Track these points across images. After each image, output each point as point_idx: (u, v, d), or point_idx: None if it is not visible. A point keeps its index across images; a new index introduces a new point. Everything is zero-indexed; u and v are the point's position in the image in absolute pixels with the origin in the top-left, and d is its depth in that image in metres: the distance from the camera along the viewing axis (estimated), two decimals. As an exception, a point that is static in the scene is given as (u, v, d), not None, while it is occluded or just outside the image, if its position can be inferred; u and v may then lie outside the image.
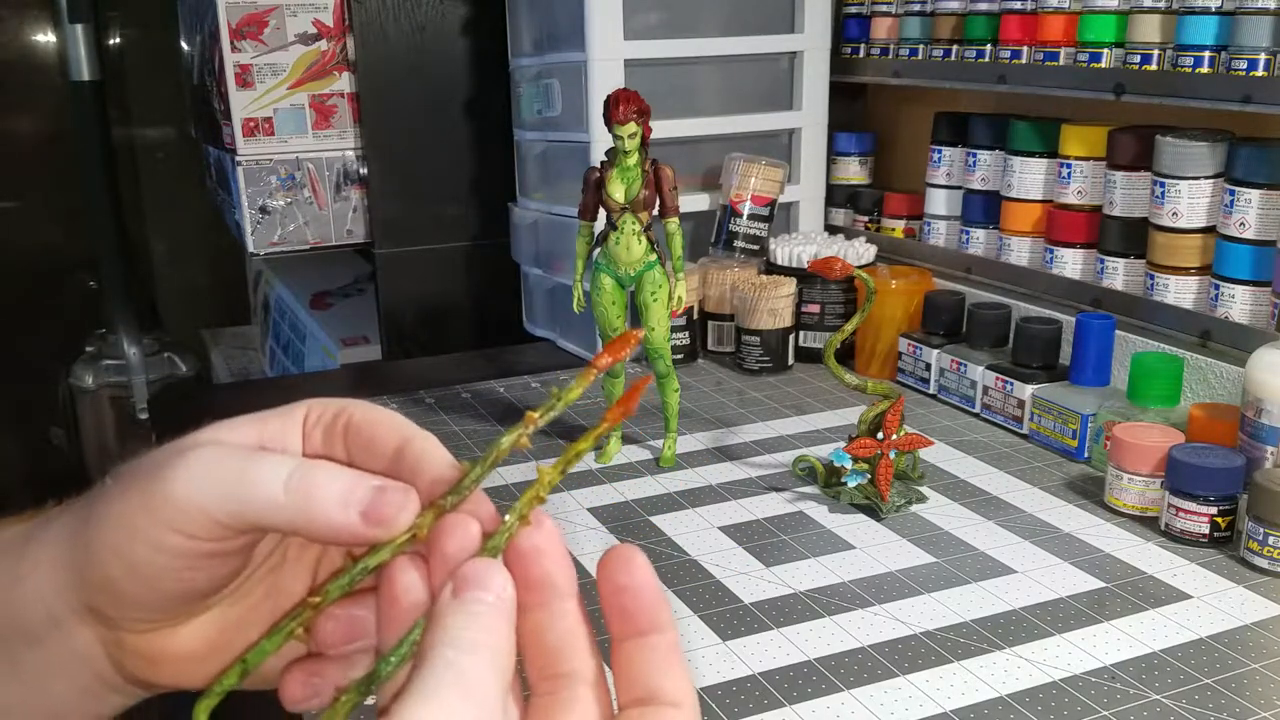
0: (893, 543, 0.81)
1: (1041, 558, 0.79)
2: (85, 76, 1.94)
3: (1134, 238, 1.03)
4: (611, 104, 0.88)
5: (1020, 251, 1.17)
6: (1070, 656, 0.66)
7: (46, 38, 2.22)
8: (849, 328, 0.89)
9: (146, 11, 2.22)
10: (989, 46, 1.16)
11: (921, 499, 0.87)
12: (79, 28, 1.91)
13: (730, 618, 0.72)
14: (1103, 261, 1.07)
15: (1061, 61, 1.07)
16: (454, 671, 0.27)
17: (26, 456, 2.32)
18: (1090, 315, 1.00)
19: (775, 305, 1.17)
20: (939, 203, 1.28)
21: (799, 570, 0.78)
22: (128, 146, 2.29)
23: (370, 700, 0.31)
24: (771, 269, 1.26)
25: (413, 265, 1.44)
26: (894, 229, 1.36)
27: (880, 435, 0.86)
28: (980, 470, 0.94)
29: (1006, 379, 1.02)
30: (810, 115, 1.33)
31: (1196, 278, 0.99)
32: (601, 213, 0.93)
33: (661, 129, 1.09)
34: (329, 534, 0.32)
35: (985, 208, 1.21)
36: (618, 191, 0.91)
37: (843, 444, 0.86)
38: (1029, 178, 1.14)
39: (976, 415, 1.06)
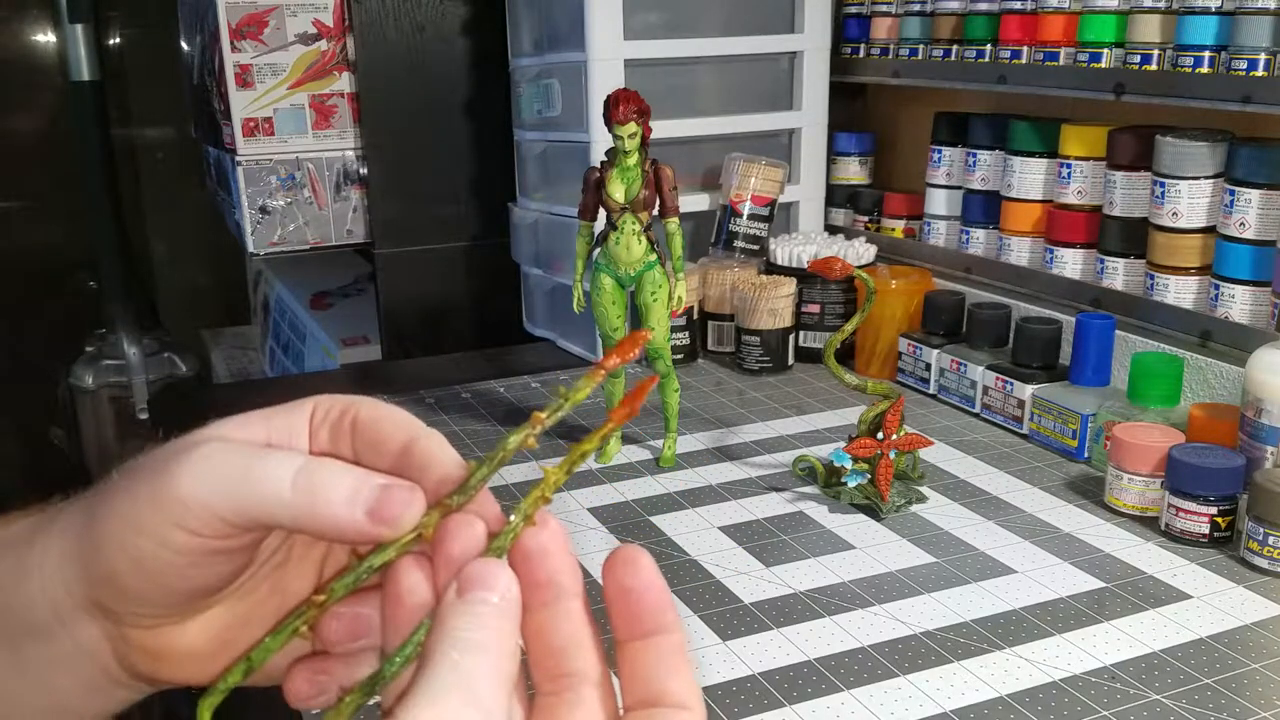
0: (893, 543, 0.82)
1: (1041, 558, 0.79)
2: (85, 76, 1.94)
3: (1134, 238, 1.03)
4: (611, 104, 0.89)
5: (1020, 251, 1.17)
6: (1070, 656, 0.67)
7: (46, 38, 2.22)
8: (849, 328, 0.89)
9: (146, 11, 2.22)
10: (989, 46, 1.16)
11: (921, 499, 0.87)
12: (79, 28, 1.91)
13: (730, 618, 0.72)
14: (1103, 261, 1.07)
15: (1061, 61, 1.07)
16: (458, 673, 0.27)
17: (26, 456, 2.32)
18: (1090, 315, 1.00)
19: (775, 305, 1.17)
20: (939, 203, 1.28)
21: (799, 570, 0.78)
22: (128, 146, 2.29)
23: (375, 700, 0.31)
24: (771, 269, 1.26)
25: (413, 265, 1.44)
26: (894, 229, 1.36)
27: (880, 435, 0.86)
28: (980, 470, 0.94)
29: (1006, 379, 1.02)
30: (810, 115, 1.33)
31: (1196, 278, 0.99)
32: (601, 213, 0.93)
33: (661, 129, 1.09)
34: (334, 532, 0.32)
35: (985, 208, 1.21)
36: (618, 191, 0.91)
37: (843, 444, 0.86)
38: (1029, 178, 1.14)
39: (976, 415, 1.06)
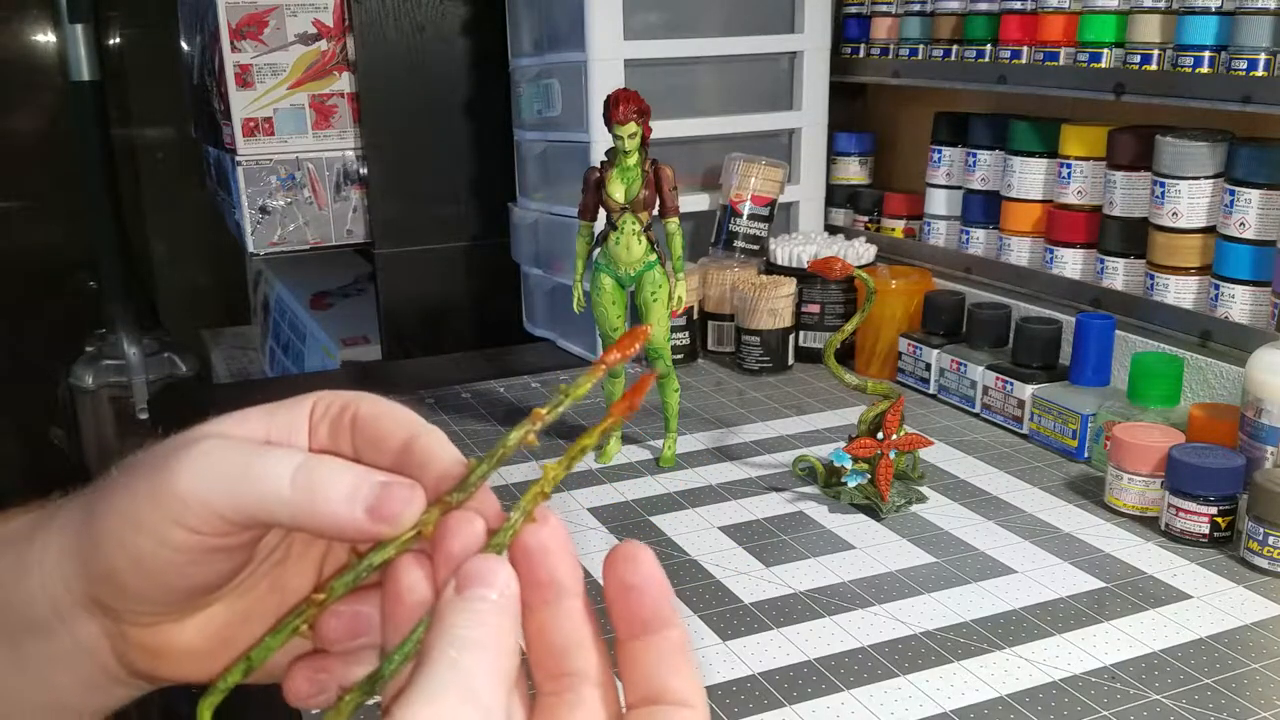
0: (893, 543, 0.81)
1: (1041, 558, 0.79)
2: (85, 76, 1.94)
3: (1134, 238, 1.03)
4: (611, 104, 0.88)
5: (1020, 251, 1.17)
6: (1070, 656, 0.67)
7: (46, 38, 2.22)
8: (849, 328, 0.89)
9: (146, 11, 2.22)
10: (989, 46, 1.16)
11: (921, 499, 0.87)
12: (79, 28, 1.91)
13: (730, 618, 0.72)
14: (1103, 261, 1.07)
15: (1061, 61, 1.07)
16: (455, 671, 0.27)
17: (26, 456, 2.32)
18: (1090, 315, 1.00)
19: (775, 305, 1.17)
20: (939, 203, 1.28)
21: (799, 570, 0.78)
22: (128, 146, 2.29)
23: (375, 699, 0.31)
24: (771, 269, 1.26)
25: (413, 265, 1.44)
26: (894, 229, 1.36)
27: (880, 435, 0.86)
28: (980, 470, 0.94)
29: (1006, 379, 1.02)
30: (810, 115, 1.33)
31: (1196, 278, 0.99)
32: (601, 213, 0.93)
33: (661, 129, 1.09)
34: (334, 530, 0.32)
35: (985, 208, 1.21)
36: (618, 191, 0.91)
37: (843, 444, 0.86)
38: (1029, 178, 1.14)
39: (976, 415, 1.06)
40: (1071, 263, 1.11)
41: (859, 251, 1.24)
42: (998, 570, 0.77)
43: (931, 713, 0.61)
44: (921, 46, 1.26)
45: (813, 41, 1.31)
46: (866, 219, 1.40)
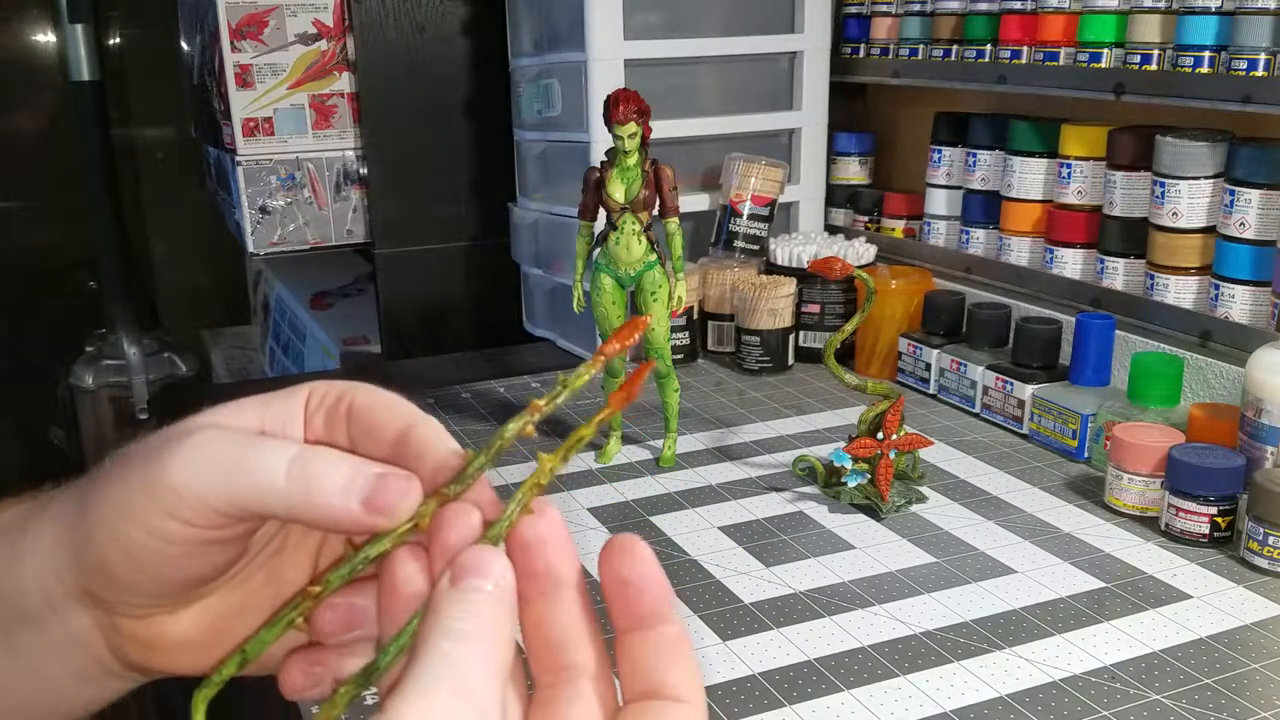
0: (893, 543, 0.81)
1: (1041, 558, 0.78)
2: (85, 76, 1.94)
3: (1134, 238, 1.03)
4: (611, 104, 0.88)
5: (1020, 251, 1.17)
6: (1070, 656, 0.66)
7: (46, 38, 2.22)
8: (849, 328, 0.89)
9: (146, 11, 2.22)
10: (989, 46, 1.16)
11: (921, 499, 0.87)
12: (79, 28, 1.91)
13: (730, 618, 0.71)
14: (1103, 261, 1.07)
15: (1061, 61, 1.07)
16: (448, 663, 0.27)
17: (26, 456, 2.32)
18: (1090, 315, 1.00)
19: (775, 305, 1.17)
20: (939, 203, 1.28)
21: (799, 570, 0.77)
22: (128, 146, 2.29)
23: (370, 692, 0.31)
24: (771, 269, 1.25)
25: (413, 265, 1.44)
26: (894, 229, 1.36)
27: (880, 435, 0.85)
28: (980, 470, 0.94)
29: (1006, 379, 1.02)
30: (810, 115, 1.33)
31: (1196, 278, 0.99)
32: (601, 213, 0.93)
33: (661, 129, 1.09)
34: (330, 522, 0.32)
35: (985, 208, 1.21)
36: (618, 191, 0.91)
37: (843, 444, 0.86)
38: (1029, 178, 1.14)
39: (976, 415, 1.06)
40: (1071, 263, 1.11)
41: (859, 251, 1.24)
42: (998, 570, 0.77)
43: (931, 713, 0.61)
44: (921, 46, 1.26)
45: (813, 41, 1.31)
46: (866, 219, 1.40)
